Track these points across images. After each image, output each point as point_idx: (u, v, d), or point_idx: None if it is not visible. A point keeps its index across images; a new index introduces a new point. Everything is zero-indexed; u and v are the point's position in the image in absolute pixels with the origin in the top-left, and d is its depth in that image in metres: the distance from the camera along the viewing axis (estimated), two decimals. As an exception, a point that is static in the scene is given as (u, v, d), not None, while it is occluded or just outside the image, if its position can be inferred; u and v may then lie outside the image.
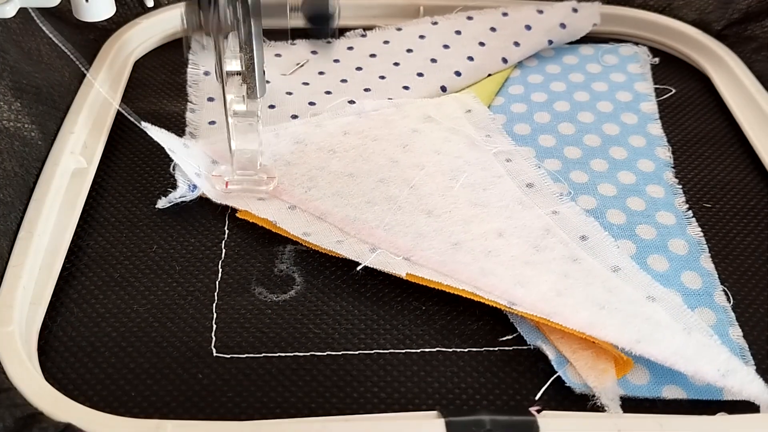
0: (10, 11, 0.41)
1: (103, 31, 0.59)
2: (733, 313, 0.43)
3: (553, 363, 0.40)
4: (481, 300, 0.42)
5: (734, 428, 0.36)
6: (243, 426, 0.35)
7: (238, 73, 0.44)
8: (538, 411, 0.37)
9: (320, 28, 0.44)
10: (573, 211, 0.48)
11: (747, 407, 0.38)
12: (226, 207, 0.48)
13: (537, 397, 0.38)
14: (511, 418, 0.36)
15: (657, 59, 0.63)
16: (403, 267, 0.44)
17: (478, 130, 0.54)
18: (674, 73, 0.62)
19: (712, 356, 0.39)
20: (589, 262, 0.45)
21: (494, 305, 0.42)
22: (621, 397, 0.38)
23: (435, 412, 0.36)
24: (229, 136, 0.46)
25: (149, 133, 0.49)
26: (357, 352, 0.40)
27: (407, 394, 0.39)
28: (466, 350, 0.41)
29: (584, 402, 0.38)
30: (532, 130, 0.55)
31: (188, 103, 0.56)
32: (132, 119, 0.50)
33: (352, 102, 0.56)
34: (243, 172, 0.48)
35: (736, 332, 0.42)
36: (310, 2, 0.43)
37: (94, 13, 0.42)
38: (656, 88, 0.60)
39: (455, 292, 0.42)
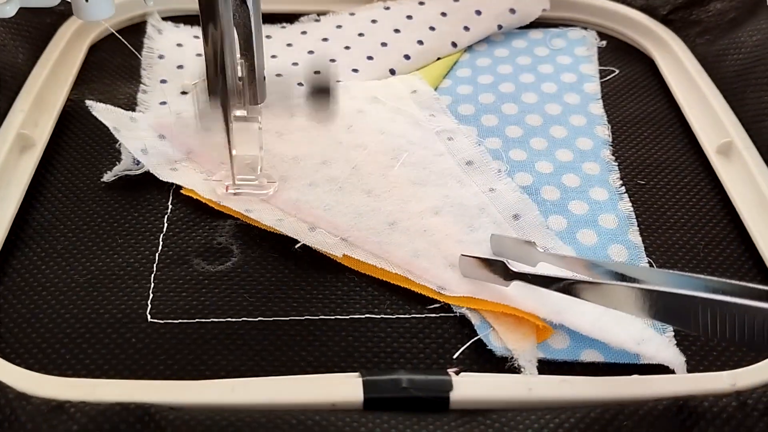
0: (10, 11, 0.42)
1: (60, 15, 0.60)
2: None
3: (476, 328, 0.41)
4: (412, 287, 0.44)
5: (640, 387, 0.37)
6: (167, 385, 0.37)
7: (239, 79, 0.44)
8: (457, 373, 0.38)
9: (321, 101, 0.45)
10: (509, 187, 0.50)
11: (662, 370, 0.39)
12: (172, 183, 0.49)
13: (455, 357, 0.40)
14: (427, 377, 0.37)
15: (604, 42, 0.64)
16: (340, 248, 0.45)
17: (423, 110, 0.56)
18: (621, 57, 0.64)
19: (629, 326, 0.41)
20: None
21: (424, 292, 0.43)
22: (542, 361, 0.40)
23: (356, 373, 0.38)
24: (230, 141, 0.46)
25: (93, 112, 0.50)
26: (288, 319, 0.42)
27: (334, 358, 0.40)
28: (394, 317, 0.42)
29: (504, 364, 0.40)
30: (476, 111, 0.57)
31: (141, 85, 0.57)
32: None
33: (300, 84, 0.57)
34: (243, 177, 0.48)
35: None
36: (312, 79, 0.45)
37: (93, 12, 0.42)
38: (601, 70, 0.61)
39: (387, 279, 0.44)
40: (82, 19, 0.42)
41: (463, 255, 0.43)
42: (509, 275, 0.41)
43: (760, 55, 0.56)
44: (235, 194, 0.48)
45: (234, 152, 0.47)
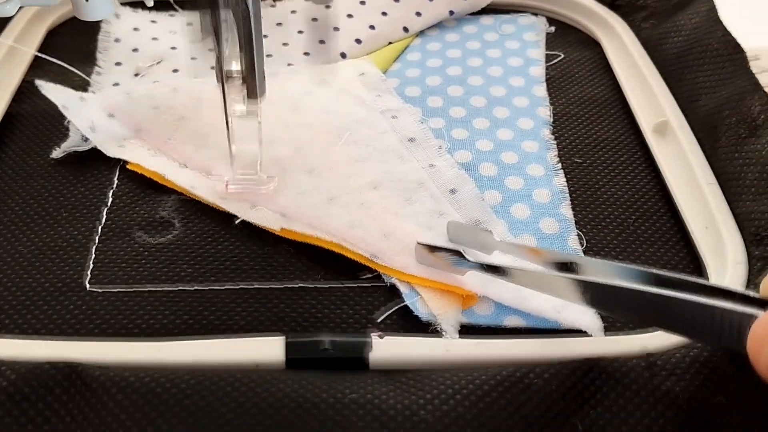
0: (10, 10, 0.42)
1: (18, -1, 0.61)
2: (583, 255, 0.46)
3: (404, 296, 0.43)
4: (346, 253, 0.45)
5: (554, 349, 0.39)
6: (96, 345, 0.38)
7: (238, 73, 0.44)
8: (381, 337, 0.39)
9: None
10: (448, 164, 0.51)
11: (582, 335, 0.41)
12: (119, 159, 0.51)
13: (378, 321, 0.41)
14: (348, 338, 0.39)
15: (553, 28, 0.66)
16: (278, 222, 0.47)
17: (370, 91, 0.57)
18: (569, 42, 0.65)
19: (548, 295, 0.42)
20: (453, 217, 0.47)
21: (357, 259, 0.45)
22: (466, 326, 0.41)
23: (280, 335, 0.39)
24: (229, 137, 0.47)
25: (42, 91, 0.52)
26: (223, 287, 0.43)
27: (265, 322, 0.41)
28: (327, 286, 0.44)
29: (428, 329, 0.41)
30: (422, 92, 0.58)
31: (95, 67, 0.59)
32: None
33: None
34: (243, 173, 0.48)
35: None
36: None
37: (93, 12, 0.43)
38: (547, 54, 0.63)
39: (323, 245, 0.45)
40: (82, 19, 0.43)
41: (419, 243, 0.43)
42: (465, 264, 0.41)
43: (698, 37, 0.57)
44: (235, 191, 0.48)
45: (234, 148, 0.47)
